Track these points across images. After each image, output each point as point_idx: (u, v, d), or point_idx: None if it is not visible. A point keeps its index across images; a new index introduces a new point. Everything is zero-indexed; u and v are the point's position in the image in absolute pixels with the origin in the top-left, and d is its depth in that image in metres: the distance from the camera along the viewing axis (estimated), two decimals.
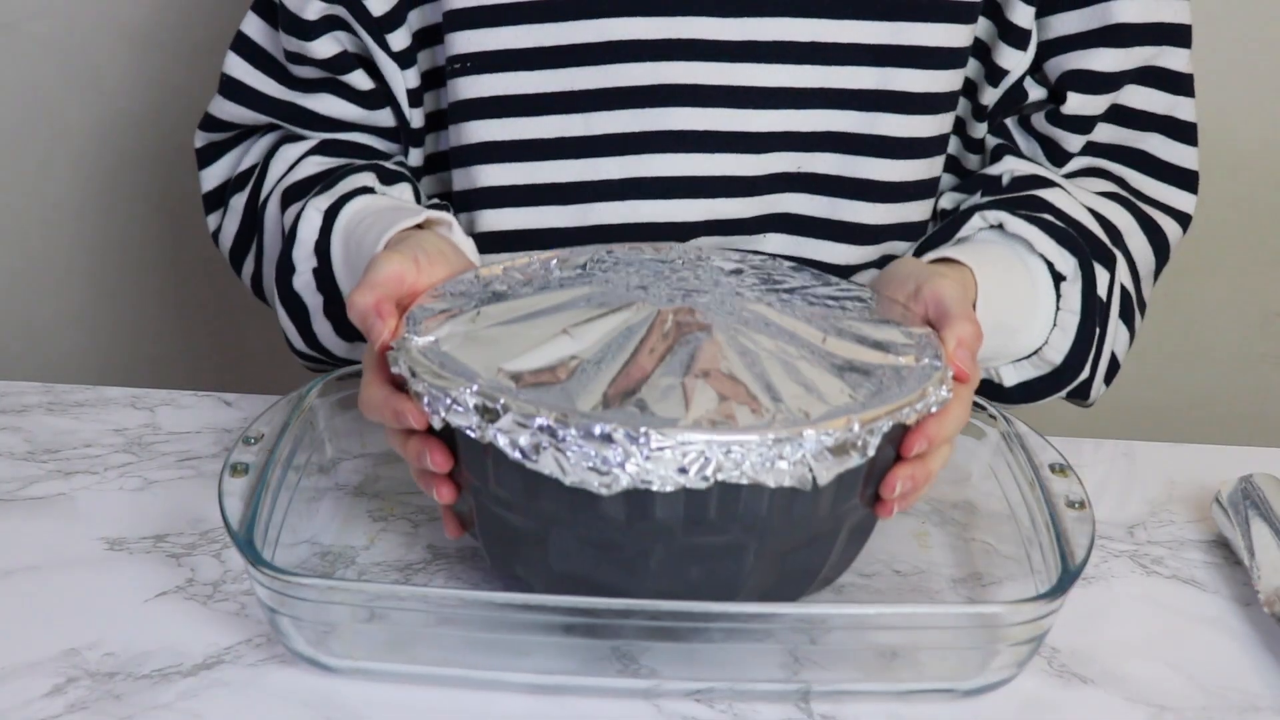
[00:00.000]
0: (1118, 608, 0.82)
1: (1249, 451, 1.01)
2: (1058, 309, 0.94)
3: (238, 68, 1.05)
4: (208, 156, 1.09)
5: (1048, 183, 1.00)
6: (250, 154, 1.07)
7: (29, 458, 0.94)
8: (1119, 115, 1.03)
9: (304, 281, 0.96)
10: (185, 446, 0.96)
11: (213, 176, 1.09)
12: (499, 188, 1.00)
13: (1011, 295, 0.91)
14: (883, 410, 0.70)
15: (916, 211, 1.03)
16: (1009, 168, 1.01)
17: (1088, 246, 0.96)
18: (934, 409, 0.73)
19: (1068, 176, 1.04)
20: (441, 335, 0.75)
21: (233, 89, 1.05)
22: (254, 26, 1.05)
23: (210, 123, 1.08)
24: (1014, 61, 1.00)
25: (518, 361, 0.72)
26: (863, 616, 0.73)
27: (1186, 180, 1.05)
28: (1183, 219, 1.06)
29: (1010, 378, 0.96)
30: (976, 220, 0.95)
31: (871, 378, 0.73)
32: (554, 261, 0.85)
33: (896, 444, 0.73)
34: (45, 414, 0.99)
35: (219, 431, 0.98)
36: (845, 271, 1.02)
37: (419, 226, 0.90)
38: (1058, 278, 0.94)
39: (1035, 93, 1.02)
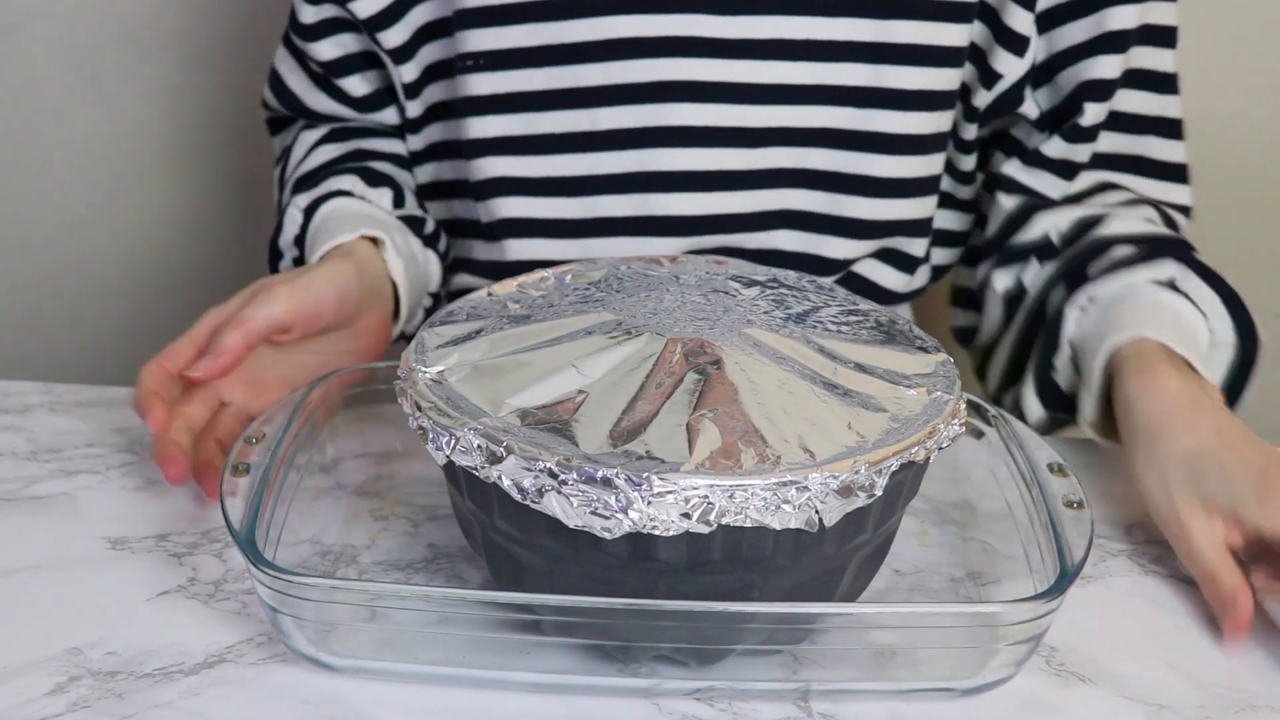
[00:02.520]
0: (1116, 607, 0.82)
1: None
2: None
3: (280, 59, 1.12)
4: (273, 128, 1.18)
5: (1097, 219, 1.01)
6: (288, 132, 1.15)
7: (31, 457, 0.94)
8: (1116, 122, 1.05)
9: (286, 266, 1.03)
10: None
11: (279, 143, 1.17)
12: (509, 179, 1.02)
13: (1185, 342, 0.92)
14: (890, 450, 0.70)
15: (917, 208, 1.03)
16: (1051, 225, 1.03)
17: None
18: (945, 445, 0.73)
19: (1078, 195, 1.06)
20: (449, 366, 0.75)
21: (272, 79, 1.12)
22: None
23: (264, 103, 1.15)
24: (1009, 66, 1.01)
25: (523, 396, 0.72)
26: (862, 616, 0.73)
27: (1182, 175, 1.07)
28: (1185, 211, 1.08)
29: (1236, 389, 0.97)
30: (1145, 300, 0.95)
31: (881, 413, 0.73)
32: (569, 277, 0.85)
33: (907, 477, 0.73)
34: (47, 414, 0.99)
35: None
36: (845, 265, 1.03)
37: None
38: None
39: (1029, 105, 1.03)
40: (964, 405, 0.76)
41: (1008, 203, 1.06)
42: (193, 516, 0.88)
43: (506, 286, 0.85)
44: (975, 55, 1.02)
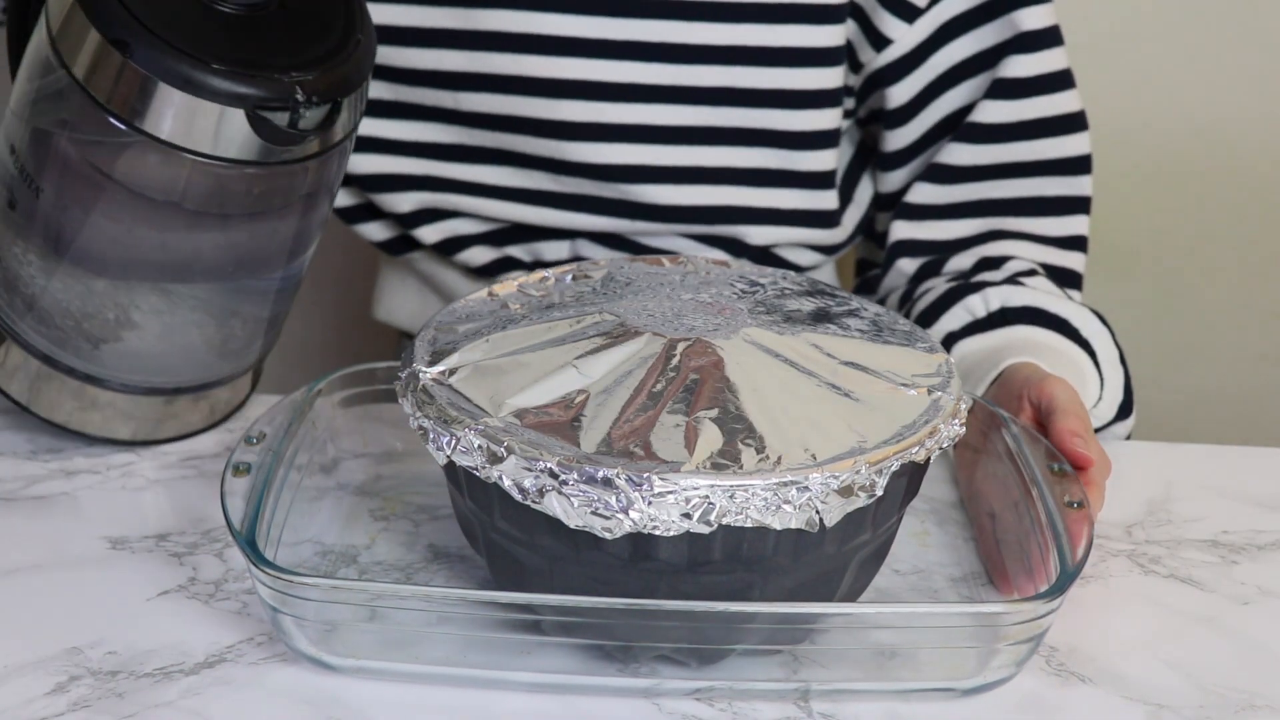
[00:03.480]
0: (1116, 607, 0.82)
1: (1248, 451, 1.01)
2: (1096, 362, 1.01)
3: None
4: None
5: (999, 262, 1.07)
6: None
7: (32, 457, 0.94)
8: (1002, 169, 1.08)
9: None
10: (187, 446, 0.96)
11: None
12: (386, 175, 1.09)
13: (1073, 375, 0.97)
14: (890, 451, 0.70)
15: (814, 161, 1.07)
16: (953, 269, 1.08)
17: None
18: (945, 445, 0.73)
19: (967, 240, 1.09)
20: (451, 365, 0.75)
21: None
22: None
23: None
24: (899, 32, 1.05)
25: (524, 396, 0.72)
26: (862, 616, 0.73)
27: (1077, 179, 1.08)
28: (1084, 205, 1.09)
29: (1121, 429, 1.02)
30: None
31: (881, 413, 0.73)
32: (569, 278, 0.85)
33: (907, 477, 0.73)
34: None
35: (221, 431, 0.98)
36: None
37: None
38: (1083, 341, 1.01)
39: (899, 94, 1.07)
40: (964, 405, 0.76)
41: (909, 266, 1.10)
42: (193, 516, 0.88)
43: (507, 287, 0.85)
44: (863, 19, 1.06)
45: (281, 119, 0.82)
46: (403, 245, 1.14)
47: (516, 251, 1.11)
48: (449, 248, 1.11)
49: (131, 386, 0.92)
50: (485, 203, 1.09)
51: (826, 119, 1.05)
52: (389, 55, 1.04)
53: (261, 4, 0.84)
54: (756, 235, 1.09)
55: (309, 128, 0.83)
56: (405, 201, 1.10)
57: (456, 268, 1.13)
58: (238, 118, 0.81)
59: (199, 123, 0.81)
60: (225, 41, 0.82)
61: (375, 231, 1.14)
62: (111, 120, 0.82)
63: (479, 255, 1.11)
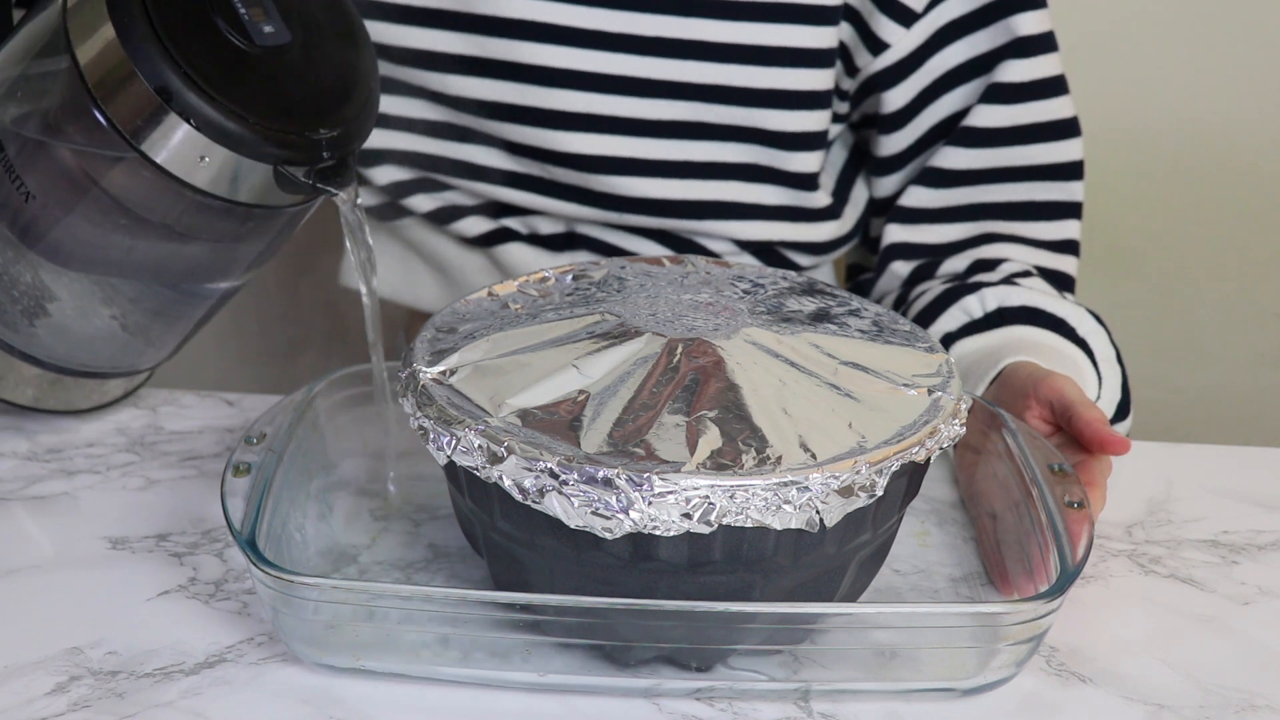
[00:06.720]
0: (1116, 607, 0.82)
1: (1248, 451, 1.01)
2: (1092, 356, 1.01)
3: None
4: None
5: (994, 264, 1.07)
6: None
7: (32, 457, 0.94)
8: (996, 173, 1.08)
9: None
10: (187, 446, 0.96)
11: None
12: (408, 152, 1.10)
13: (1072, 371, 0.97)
14: (890, 451, 0.70)
15: (803, 162, 1.08)
16: (947, 271, 1.09)
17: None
18: (945, 445, 0.73)
19: (961, 243, 1.09)
20: (451, 365, 0.75)
21: None
22: None
23: None
24: (895, 36, 1.05)
25: (524, 396, 0.72)
26: (862, 616, 0.73)
27: (1070, 185, 1.09)
28: (1076, 210, 1.09)
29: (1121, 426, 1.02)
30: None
31: (882, 413, 0.73)
32: (570, 277, 0.85)
33: (908, 477, 0.73)
34: (48, 413, 0.99)
35: (221, 431, 0.98)
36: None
37: None
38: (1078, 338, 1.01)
39: (897, 98, 1.07)
40: (964, 405, 0.76)
41: (903, 269, 1.10)
42: (193, 516, 0.88)
43: (507, 287, 0.85)
44: (859, 23, 1.06)
45: (300, 170, 0.82)
46: (392, 212, 1.14)
47: (512, 224, 1.11)
48: (443, 217, 1.11)
49: (47, 363, 0.92)
50: (472, 183, 1.09)
51: (814, 120, 1.05)
52: (379, 32, 1.04)
53: (285, 46, 0.83)
54: (742, 231, 1.09)
55: (322, 180, 0.83)
56: (382, 174, 1.10)
57: (449, 236, 1.13)
58: (258, 167, 0.81)
59: (216, 166, 0.81)
60: (251, 85, 0.81)
61: (364, 197, 1.13)
62: (123, 142, 0.81)
63: (474, 226, 1.11)
